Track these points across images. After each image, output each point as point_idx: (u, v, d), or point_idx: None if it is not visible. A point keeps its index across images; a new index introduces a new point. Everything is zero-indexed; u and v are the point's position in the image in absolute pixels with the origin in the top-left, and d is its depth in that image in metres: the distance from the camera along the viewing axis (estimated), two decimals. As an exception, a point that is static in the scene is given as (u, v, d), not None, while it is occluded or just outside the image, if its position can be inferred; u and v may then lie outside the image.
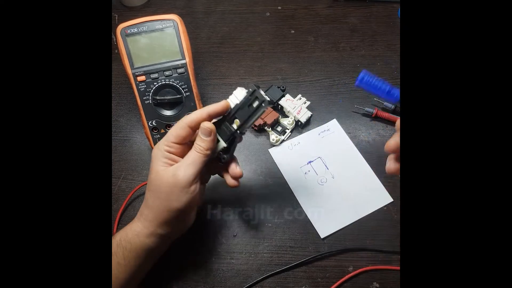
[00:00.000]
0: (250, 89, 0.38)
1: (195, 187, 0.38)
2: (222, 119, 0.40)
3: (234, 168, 0.42)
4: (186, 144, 0.40)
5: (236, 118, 0.39)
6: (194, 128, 0.39)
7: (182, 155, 0.40)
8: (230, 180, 0.43)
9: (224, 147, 0.40)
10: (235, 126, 0.39)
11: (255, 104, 0.38)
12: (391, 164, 0.34)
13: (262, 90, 0.39)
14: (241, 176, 0.42)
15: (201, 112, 0.39)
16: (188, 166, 0.38)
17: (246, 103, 0.38)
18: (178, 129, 0.39)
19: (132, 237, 0.38)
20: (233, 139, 0.40)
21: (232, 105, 0.40)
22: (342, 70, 0.62)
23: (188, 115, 0.40)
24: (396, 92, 0.35)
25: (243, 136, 0.41)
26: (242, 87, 0.41)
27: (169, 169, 0.38)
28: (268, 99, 0.37)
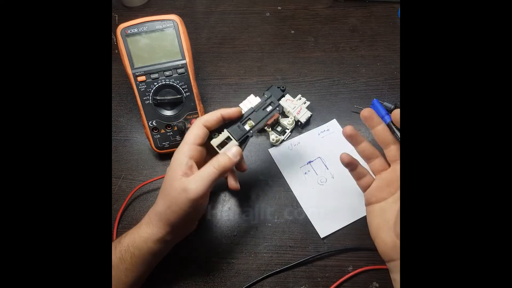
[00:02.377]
0: (266, 95, 0.44)
1: (205, 199, 0.40)
2: (234, 121, 0.42)
3: (241, 164, 0.45)
4: (204, 146, 0.42)
5: (250, 119, 0.43)
6: (210, 128, 0.41)
7: (201, 159, 0.41)
8: (231, 183, 0.45)
9: (237, 145, 0.42)
10: (247, 126, 0.42)
11: (269, 108, 0.43)
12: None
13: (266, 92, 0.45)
14: (244, 170, 0.46)
15: (215, 113, 0.41)
16: (201, 181, 0.37)
17: (260, 107, 0.43)
18: (195, 129, 0.40)
19: (140, 243, 0.39)
20: (245, 138, 0.43)
21: (244, 111, 0.43)
22: (342, 70, 0.62)
23: (202, 116, 0.41)
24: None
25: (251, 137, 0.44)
26: (252, 94, 0.45)
27: (182, 181, 0.38)
28: (281, 104, 0.43)
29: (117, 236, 0.48)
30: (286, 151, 0.54)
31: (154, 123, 0.52)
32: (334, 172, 0.52)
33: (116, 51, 0.52)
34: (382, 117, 0.43)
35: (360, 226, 0.48)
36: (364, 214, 0.49)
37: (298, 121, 0.55)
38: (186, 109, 0.52)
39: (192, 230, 0.43)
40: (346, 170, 0.42)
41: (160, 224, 0.39)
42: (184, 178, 0.38)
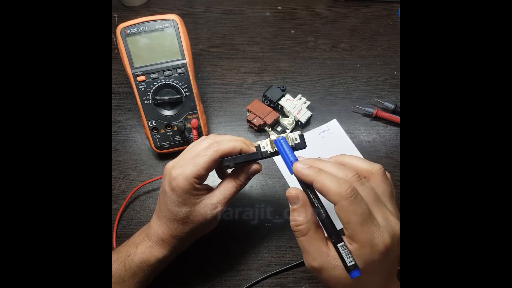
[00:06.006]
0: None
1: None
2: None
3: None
4: None
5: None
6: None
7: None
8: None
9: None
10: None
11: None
12: None
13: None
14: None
15: (234, 146, 0.37)
16: (225, 203, 0.38)
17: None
18: (211, 162, 0.36)
19: (154, 262, 0.39)
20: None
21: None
22: (342, 70, 0.62)
23: (217, 147, 0.36)
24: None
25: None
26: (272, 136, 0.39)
27: (207, 206, 0.38)
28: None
29: (117, 236, 0.48)
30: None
31: (154, 123, 0.51)
32: (334, 172, 0.52)
33: (116, 51, 0.52)
34: (287, 163, 0.34)
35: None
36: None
37: (298, 121, 0.55)
38: (186, 109, 0.52)
39: None
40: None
41: (179, 246, 0.40)
42: (204, 201, 0.38)
